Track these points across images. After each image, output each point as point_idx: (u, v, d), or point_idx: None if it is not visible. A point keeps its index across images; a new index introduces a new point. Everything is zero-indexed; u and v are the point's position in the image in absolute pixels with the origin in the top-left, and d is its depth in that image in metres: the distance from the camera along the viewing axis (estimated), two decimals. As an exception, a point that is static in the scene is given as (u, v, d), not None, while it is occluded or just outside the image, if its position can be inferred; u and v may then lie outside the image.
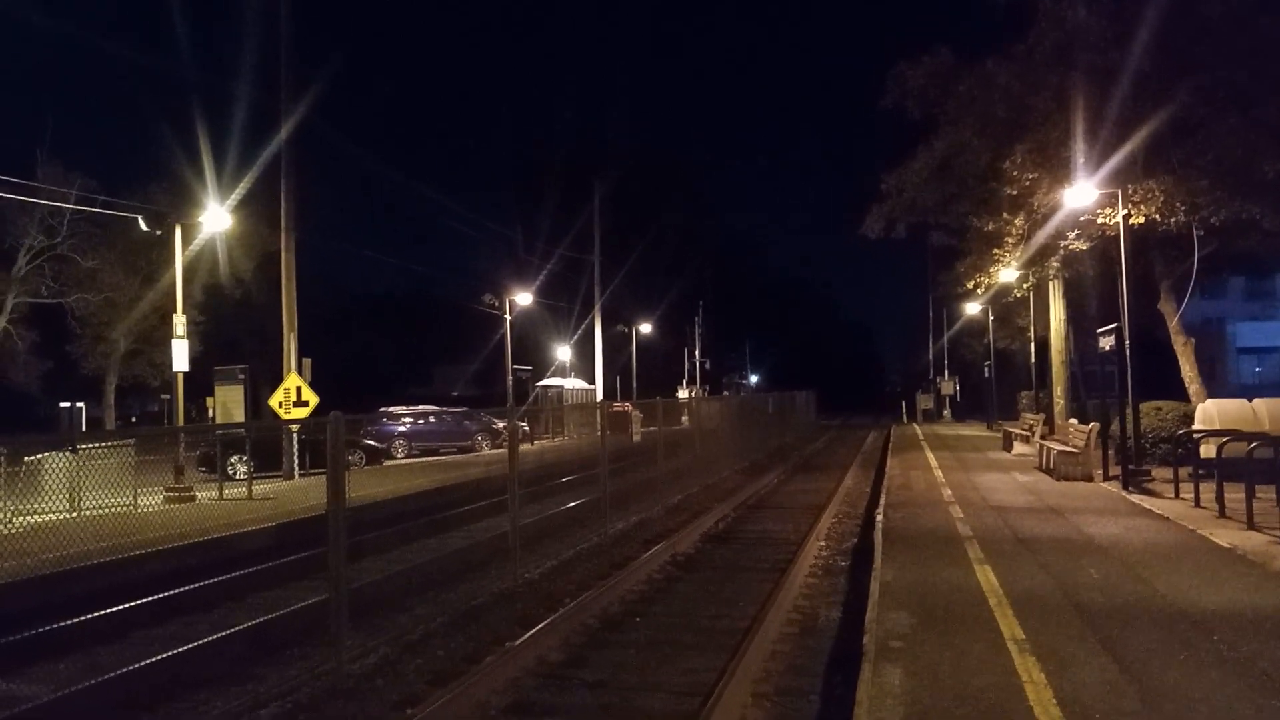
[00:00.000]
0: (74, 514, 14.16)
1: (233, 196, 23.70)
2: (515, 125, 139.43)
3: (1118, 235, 16.65)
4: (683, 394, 52.29)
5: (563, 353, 52.39)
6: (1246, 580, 8.46)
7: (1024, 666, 6.00)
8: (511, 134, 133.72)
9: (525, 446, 28.29)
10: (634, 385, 56.59)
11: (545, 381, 46.43)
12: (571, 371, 50.99)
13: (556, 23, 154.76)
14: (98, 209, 29.21)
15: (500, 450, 20.18)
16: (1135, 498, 14.15)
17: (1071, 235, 20.45)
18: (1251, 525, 10.75)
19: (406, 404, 37.48)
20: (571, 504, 16.09)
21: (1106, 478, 16.50)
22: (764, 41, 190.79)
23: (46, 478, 14.14)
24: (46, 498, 13.64)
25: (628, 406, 33.77)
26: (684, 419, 27.32)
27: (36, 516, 12.93)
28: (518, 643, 7.79)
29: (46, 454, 14.32)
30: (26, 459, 14.43)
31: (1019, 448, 24.42)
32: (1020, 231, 22.28)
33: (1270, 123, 16.56)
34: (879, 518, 13.04)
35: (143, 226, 22.08)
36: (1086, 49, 17.78)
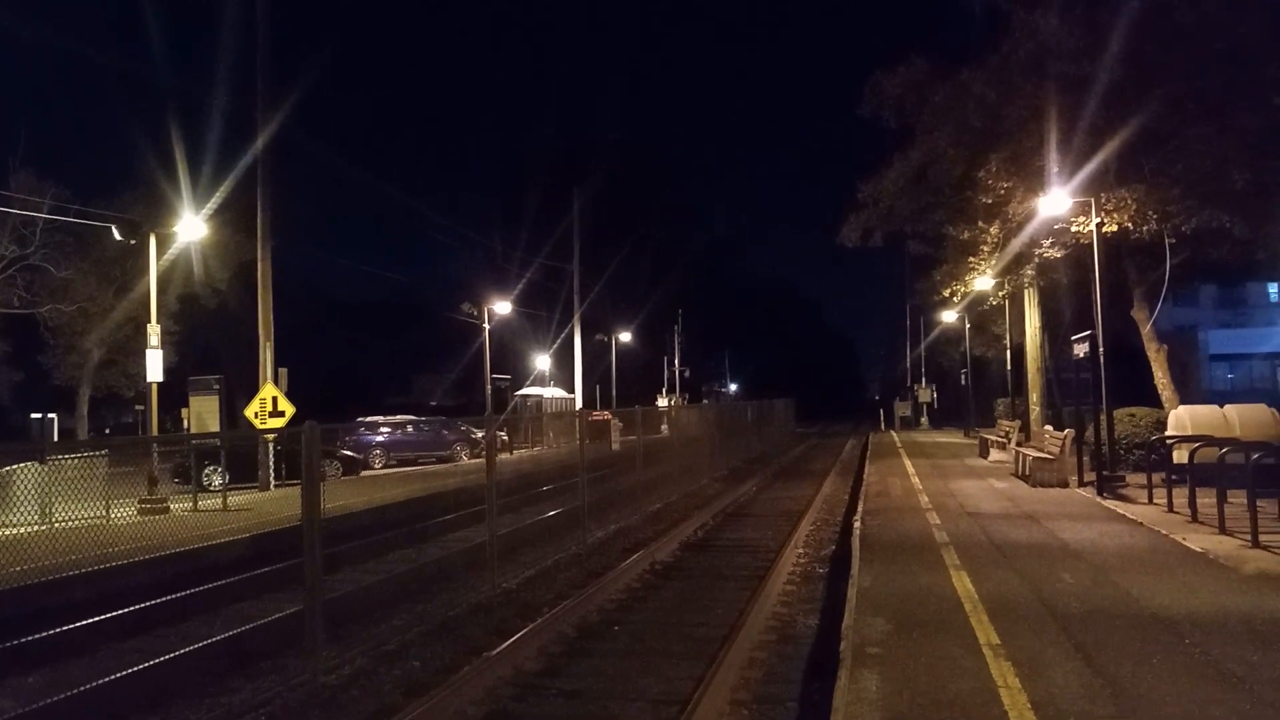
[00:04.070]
0: (45, 526, 13.98)
1: (208, 205, 23.55)
2: (495, 133, 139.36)
3: (1091, 243, 16.84)
4: (662, 402, 52.32)
5: (542, 361, 52.28)
6: (1218, 584, 8.55)
7: (999, 671, 6.03)
8: (491, 142, 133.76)
9: (504, 456, 28.23)
10: (613, 394, 56.56)
11: (524, 390, 46.30)
12: (551, 380, 50.88)
13: (539, 32, 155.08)
14: (71, 218, 28.89)
15: (479, 460, 20.11)
16: (1109, 503, 14.28)
17: (1046, 243, 20.67)
18: (1223, 530, 10.87)
19: (385, 413, 37.25)
20: (550, 513, 16.05)
21: (1081, 483, 16.64)
22: (746, 51, 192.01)
23: (17, 490, 13.96)
24: (17, 510, 13.45)
25: (607, 415, 33.70)
26: (663, 427, 27.31)
27: (6, 529, 12.74)
28: (495, 653, 7.75)
29: (17, 466, 14.13)
30: (-3, 471, 14.24)
31: (995, 454, 24.58)
32: (995, 240, 22.50)
33: (1240, 131, 16.81)
34: (857, 525, 13.08)
35: (116, 236, 21.85)
36: (1060, 59, 17.99)
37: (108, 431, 52.80)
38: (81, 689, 7.14)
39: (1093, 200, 16.78)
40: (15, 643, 8.36)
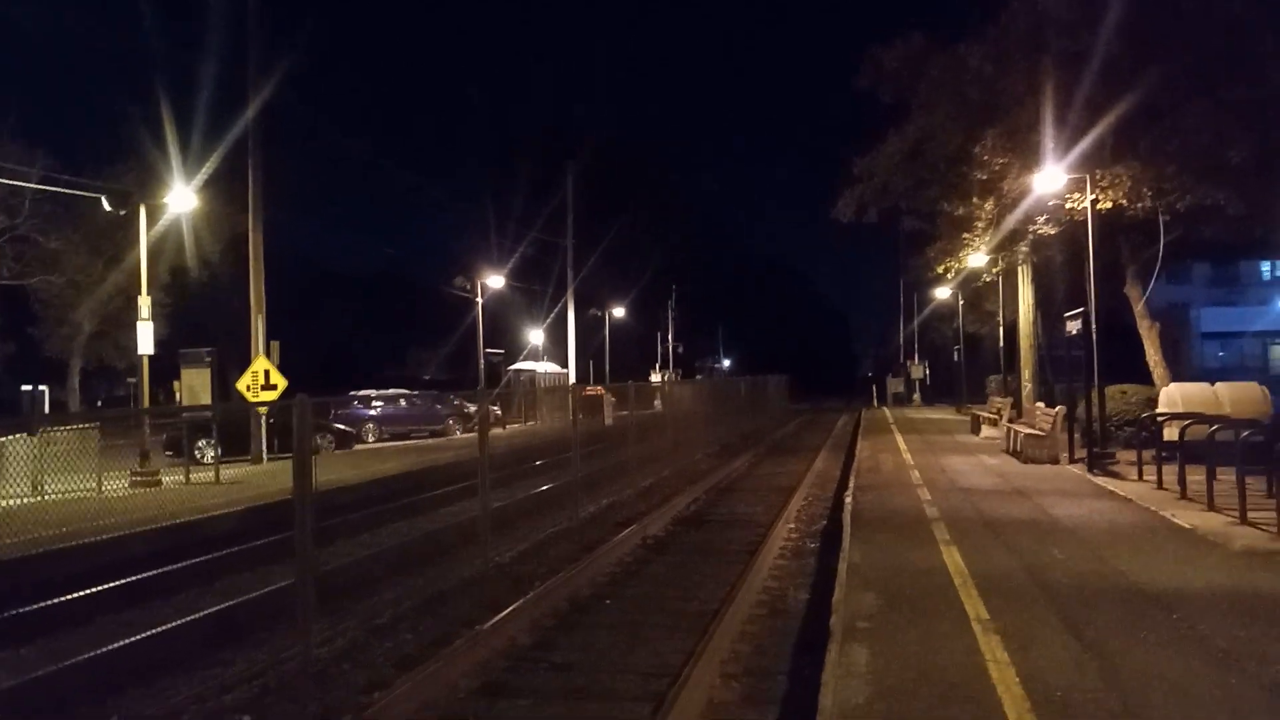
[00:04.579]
0: (37, 499, 13.97)
1: (199, 176, 23.34)
2: (489, 106, 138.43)
3: (1085, 220, 16.81)
4: (655, 378, 52.35)
5: (535, 336, 52.23)
6: (1206, 560, 8.61)
7: (988, 646, 6.07)
8: (485, 115, 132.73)
9: (497, 430, 28.21)
10: (607, 369, 56.58)
11: (518, 365, 46.28)
12: (544, 355, 50.85)
13: (533, 6, 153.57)
14: (61, 189, 28.63)
15: (472, 434, 20.10)
16: (1099, 480, 14.35)
17: (1040, 220, 20.64)
18: (1212, 507, 10.92)
19: (379, 387, 37.22)
20: (543, 487, 16.06)
21: (1072, 460, 16.72)
22: (740, 23, 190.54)
23: (8, 462, 13.94)
24: (8, 482, 13.43)
25: (600, 390, 33.70)
26: (656, 403, 27.32)
27: (-2, 501, 12.72)
28: (487, 626, 7.78)
29: (8, 438, 14.10)
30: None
31: (987, 431, 24.67)
32: (990, 216, 22.46)
33: (1237, 106, 16.75)
34: (848, 500, 13.13)
35: (106, 207, 21.68)
36: (1058, 33, 17.89)
37: (99, 404, 52.67)
38: (74, 661, 7.15)
39: (1088, 177, 16.73)
40: (8, 614, 8.36)
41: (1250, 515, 10.12)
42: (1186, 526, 10.17)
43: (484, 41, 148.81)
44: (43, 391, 39.61)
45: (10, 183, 29.39)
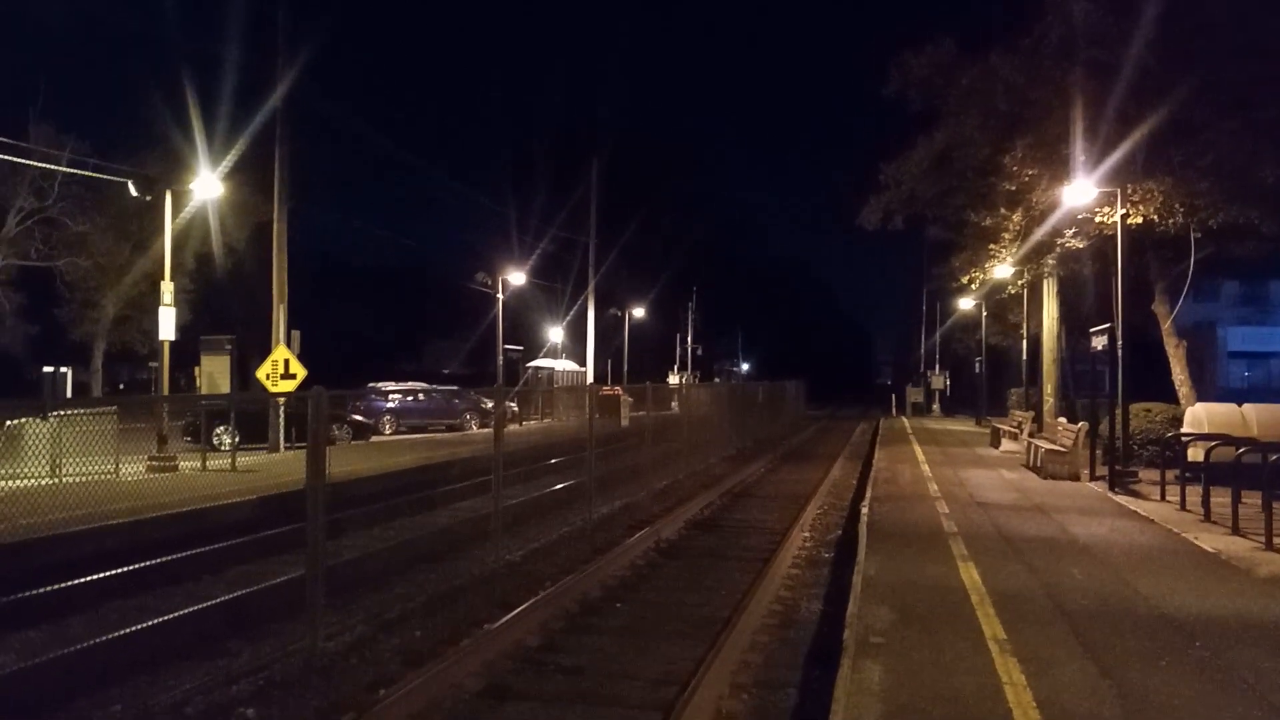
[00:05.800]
0: (54, 480, 14.03)
1: (224, 163, 23.42)
2: (511, 103, 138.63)
3: (1114, 235, 16.57)
4: (673, 380, 52.21)
5: (555, 334, 52.23)
6: (1230, 586, 8.42)
7: (1004, 667, 5.94)
8: (508, 112, 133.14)
9: (514, 427, 28.23)
10: (625, 369, 56.52)
11: (536, 362, 46.32)
12: (563, 353, 50.86)
13: (555, 3, 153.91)
14: (89, 172, 28.87)
15: (488, 429, 20.08)
16: (1121, 499, 14.14)
17: (1069, 233, 20.39)
18: (1236, 530, 10.73)
19: (398, 380, 37.33)
20: (557, 486, 16.02)
21: (1093, 478, 16.48)
22: (765, 27, 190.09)
23: (27, 442, 14.02)
24: (27, 463, 13.51)
25: (618, 390, 33.66)
26: (674, 405, 27.27)
27: (15, 481, 12.78)
28: (495, 626, 7.72)
29: (27, 419, 14.19)
30: (8, 423, 14.31)
31: (1007, 445, 24.41)
32: (1017, 228, 22.23)
33: (1270, 126, 16.48)
34: (864, 510, 12.98)
35: (133, 192, 21.76)
36: (1092, 44, 17.66)
37: (121, 387, 53.17)
38: (82, 646, 7.13)
39: (1119, 191, 16.49)
40: (20, 596, 8.37)
41: (1276, 541, 9.92)
42: (1210, 550, 9.97)
43: (506, 39, 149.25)
44: (65, 373, 39.95)
45: (40, 165, 29.67)
